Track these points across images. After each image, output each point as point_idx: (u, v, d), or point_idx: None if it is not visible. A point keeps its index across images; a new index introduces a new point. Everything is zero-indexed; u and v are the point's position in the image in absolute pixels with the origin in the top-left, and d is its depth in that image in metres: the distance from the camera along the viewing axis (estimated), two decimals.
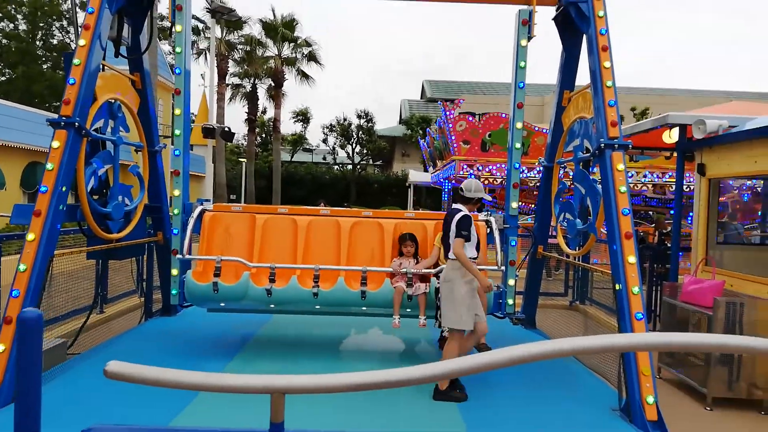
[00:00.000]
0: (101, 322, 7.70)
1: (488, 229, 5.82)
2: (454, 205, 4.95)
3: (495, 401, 4.64)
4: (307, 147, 46.20)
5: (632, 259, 4.57)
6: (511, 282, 5.88)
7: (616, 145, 4.91)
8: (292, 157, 45.01)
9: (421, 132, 36.07)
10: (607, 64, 5.18)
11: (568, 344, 1.45)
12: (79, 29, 5.22)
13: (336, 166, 44.60)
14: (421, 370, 1.47)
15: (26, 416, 1.54)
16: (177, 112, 5.82)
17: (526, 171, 17.59)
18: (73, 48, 5.13)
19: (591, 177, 5.53)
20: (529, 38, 5.87)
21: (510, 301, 5.82)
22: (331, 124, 41.91)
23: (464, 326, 4.64)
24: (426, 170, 29.62)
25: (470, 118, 17.39)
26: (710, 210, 6.92)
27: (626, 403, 4.35)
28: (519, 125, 5.96)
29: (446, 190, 23.07)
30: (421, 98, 55.17)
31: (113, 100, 5.60)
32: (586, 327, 8.07)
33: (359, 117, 41.94)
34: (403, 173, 39.39)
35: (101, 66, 5.31)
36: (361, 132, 41.70)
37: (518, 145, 5.99)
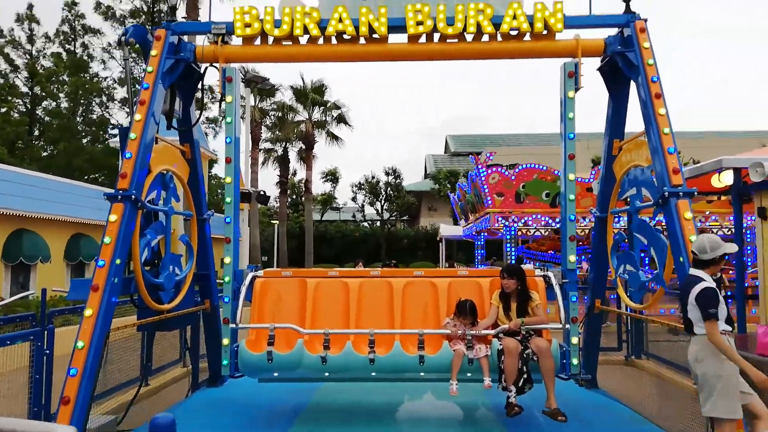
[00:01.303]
0: (147, 395, 7.56)
1: (547, 285, 5.62)
2: (693, 272, 4.17)
3: None
4: (336, 206, 46.68)
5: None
6: (575, 340, 5.59)
7: (681, 193, 4.74)
8: (322, 216, 45.43)
9: (449, 186, 36.17)
10: (662, 111, 5.09)
11: None
12: (135, 105, 5.39)
13: (365, 223, 44.77)
14: None
15: None
16: (228, 179, 5.87)
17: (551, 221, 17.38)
18: (118, 121, 5.27)
19: (654, 227, 5.32)
20: (576, 89, 5.83)
21: (575, 361, 5.51)
22: (359, 183, 42.40)
23: (738, 415, 3.92)
24: (456, 224, 29.51)
25: (503, 170, 17.35)
26: None
27: None
28: (571, 177, 5.83)
29: (479, 243, 22.83)
30: (445, 152, 55.80)
31: (165, 171, 5.69)
32: (652, 385, 7.59)
33: (387, 174, 42.40)
34: (432, 228, 39.28)
35: (155, 139, 5.42)
36: (389, 188, 42.03)
37: (572, 197, 5.83)
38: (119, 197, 4.81)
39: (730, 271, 15.51)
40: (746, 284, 8.80)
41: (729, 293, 9.74)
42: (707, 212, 16.40)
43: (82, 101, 38.56)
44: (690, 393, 7.02)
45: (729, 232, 17.60)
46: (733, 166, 6.98)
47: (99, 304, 4.46)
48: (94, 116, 39.51)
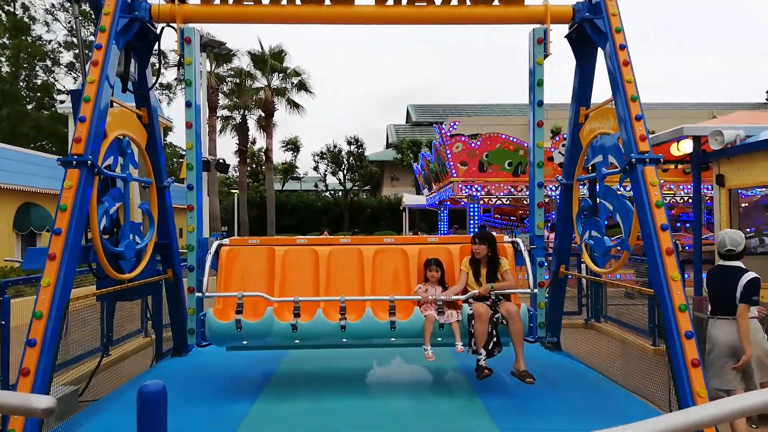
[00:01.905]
0: (109, 365, 7.39)
1: (515, 251, 5.68)
2: (733, 263, 4.90)
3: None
4: (297, 175, 46.11)
5: (676, 275, 4.42)
6: (542, 305, 5.70)
7: (647, 160, 4.80)
8: (283, 186, 44.84)
9: (412, 156, 36.16)
10: (629, 78, 5.11)
11: None
12: (87, 66, 5.08)
13: (327, 193, 44.49)
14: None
15: None
16: (189, 145, 5.65)
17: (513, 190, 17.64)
18: (65, 86, 4.98)
19: (619, 193, 5.41)
20: (545, 56, 5.80)
21: (541, 325, 5.63)
22: (321, 152, 41.92)
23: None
24: (419, 193, 29.62)
25: (466, 140, 17.40)
26: (731, 220, 6.84)
27: None
28: (540, 143, 5.85)
29: (443, 212, 23.03)
30: (407, 122, 55.59)
31: (122, 137, 5.42)
32: (613, 348, 7.87)
33: (349, 143, 42.03)
34: (395, 197, 39.35)
35: (110, 102, 5.14)
36: (351, 158, 41.72)
37: (540, 163, 5.87)
38: (74, 162, 4.55)
39: (684, 238, 16.16)
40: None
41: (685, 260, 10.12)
42: (661, 180, 16.92)
43: (24, 65, 36.50)
44: (647, 354, 7.32)
45: (681, 200, 18.26)
46: (694, 134, 7.14)
47: (57, 273, 4.26)
48: (39, 82, 37.50)
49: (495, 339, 4.98)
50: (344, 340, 5.17)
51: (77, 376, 6.73)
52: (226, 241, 5.69)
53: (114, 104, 5.35)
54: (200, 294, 5.32)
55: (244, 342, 5.26)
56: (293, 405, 5.01)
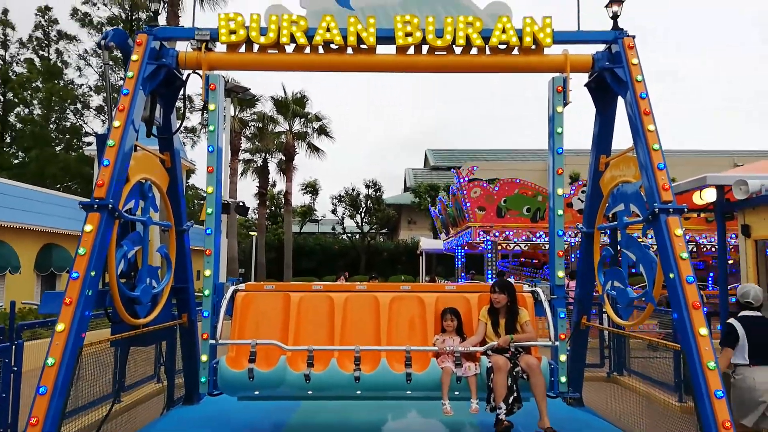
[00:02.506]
0: (120, 412, 7.26)
1: (535, 301, 5.54)
2: (755, 313, 5.16)
3: None
4: (315, 218, 46.36)
5: (704, 331, 4.25)
6: (563, 358, 5.50)
7: (671, 210, 4.71)
8: (301, 228, 45.06)
9: (429, 199, 36.21)
10: (651, 127, 5.08)
11: None
12: (113, 111, 5.19)
13: (344, 236, 44.56)
14: None
15: None
16: (209, 189, 5.68)
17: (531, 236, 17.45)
18: (93, 129, 5.08)
19: (642, 243, 5.29)
20: (565, 104, 5.80)
21: (563, 379, 5.41)
22: (340, 195, 42.22)
23: None
24: (436, 237, 29.47)
25: (484, 185, 17.39)
26: (759, 272, 6.62)
27: None
28: (560, 191, 5.78)
29: (459, 257, 22.82)
30: (425, 166, 55.97)
31: (144, 180, 5.49)
32: (637, 403, 7.54)
33: (367, 187, 42.32)
34: (412, 241, 39.21)
35: (134, 146, 5.23)
36: (369, 201, 41.92)
37: (560, 212, 5.78)
38: (95, 206, 4.60)
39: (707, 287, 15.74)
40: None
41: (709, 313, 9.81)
42: (683, 229, 16.64)
43: (55, 108, 37.82)
44: (673, 411, 7.00)
45: (704, 249, 17.89)
46: (718, 183, 7.02)
47: (72, 319, 4.23)
48: (68, 124, 38.74)
49: (515, 394, 4.80)
50: (358, 392, 5.02)
51: (89, 423, 6.61)
52: (242, 286, 5.64)
53: (138, 148, 5.45)
54: (213, 341, 5.24)
55: (257, 392, 5.14)
56: None
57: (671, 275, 4.54)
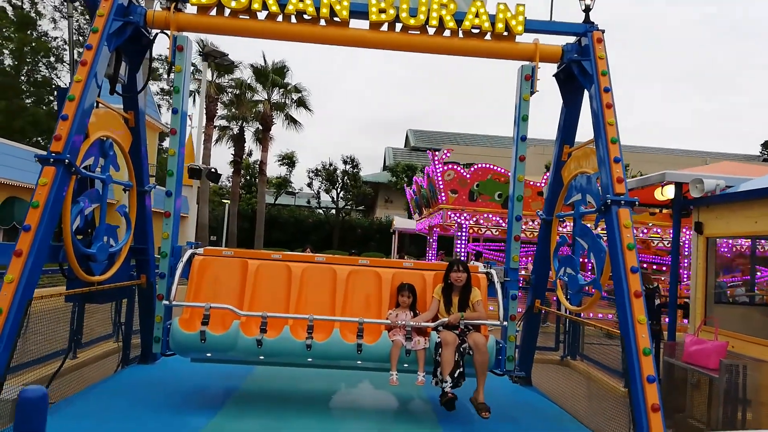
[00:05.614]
0: (74, 368, 7.26)
1: (489, 282, 5.67)
2: None
3: None
4: (291, 190, 46.11)
5: (642, 318, 4.43)
6: (512, 338, 5.68)
7: (623, 202, 4.85)
8: (275, 200, 44.79)
9: (406, 179, 36.30)
10: (611, 120, 5.18)
11: None
12: (76, 65, 5.10)
13: (319, 210, 44.48)
14: None
15: None
16: (171, 152, 5.64)
17: (501, 221, 17.65)
18: (67, 83, 4.99)
19: (594, 232, 5.44)
20: (532, 93, 5.88)
21: (510, 358, 5.60)
22: (317, 169, 42.04)
23: None
24: (410, 217, 29.64)
25: (459, 168, 17.48)
26: (708, 268, 6.86)
27: None
28: (521, 177, 5.90)
29: (432, 238, 23.01)
30: (405, 147, 55.94)
31: (105, 138, 5.42)
32: (584, 386, 7.82)
33: (345, 162, 42.19)
34: (387, 219, 39.38)
35: (96, 103, 5.15)
36: (346, 177, 41.82)
37: (520, 197, 5.91)
38: (51, 160, 4.54)
39: (662, 278, 16.19)
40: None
41: (663, 304, 10.15)
42: (650, 224, 17.02)
43: (27, 60, 36.53)
44: (616, 395, 7.27)
45: (668, 244, 18.35)
46: (676, 180, 7.21)
47: (21, 270, 4.21)
48: (40, 77, 37.53)
49: (461, 369, 4.94)
50: (310, 359, 5.12)
51: (41, 377, 6.59)
52: (200, 250, 5.65)
53: (100, 105, 5.37)
54: (167, 302, 5.27)
55: (208, 354, 5.20)
56: (251, 423, 4.92)
57: (617, 264, 4.70)
